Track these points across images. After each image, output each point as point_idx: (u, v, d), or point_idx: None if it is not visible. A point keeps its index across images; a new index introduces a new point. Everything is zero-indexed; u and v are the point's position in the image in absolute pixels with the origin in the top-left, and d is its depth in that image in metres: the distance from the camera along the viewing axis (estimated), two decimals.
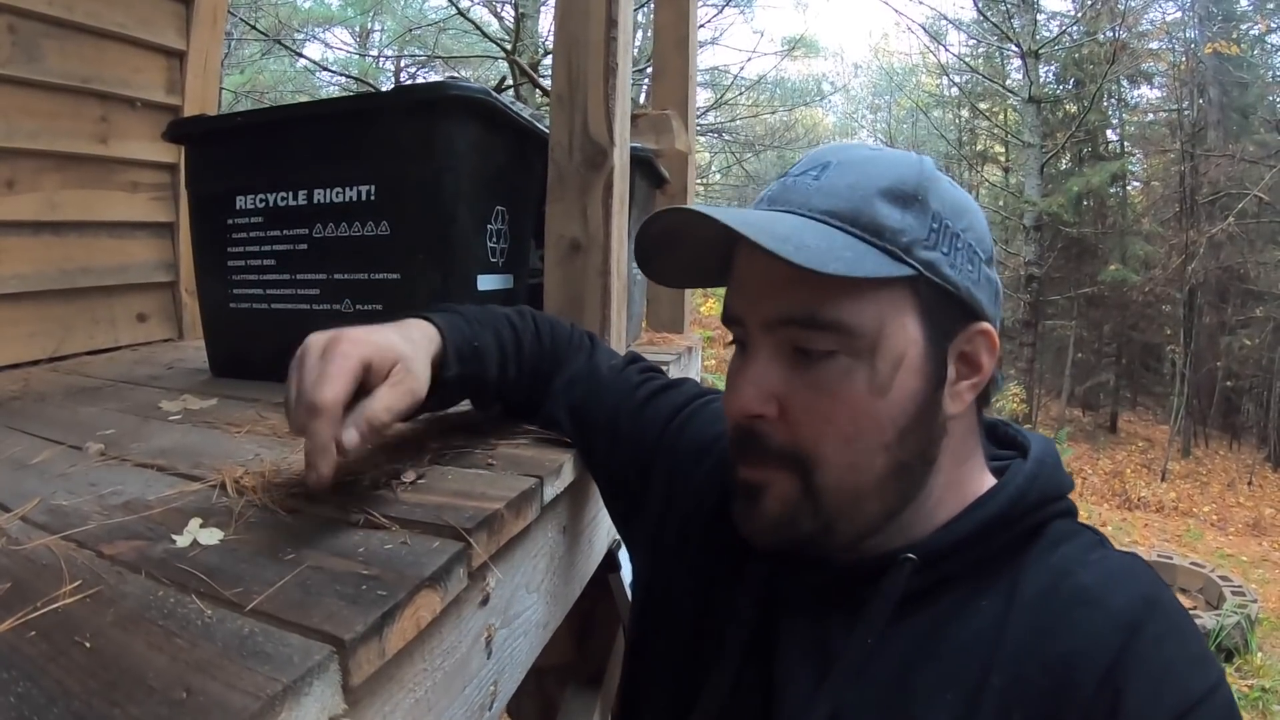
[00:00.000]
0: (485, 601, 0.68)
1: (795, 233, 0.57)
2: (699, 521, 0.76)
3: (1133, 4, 13.37)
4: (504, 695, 0.75)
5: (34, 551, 0.63)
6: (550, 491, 0.82)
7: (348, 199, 1.19)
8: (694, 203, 2.34)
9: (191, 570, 0.57)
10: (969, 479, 0.65)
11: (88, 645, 0.48)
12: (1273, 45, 14.60)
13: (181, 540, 0.63)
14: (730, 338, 0.67)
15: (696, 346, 2.15)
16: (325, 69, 12.74)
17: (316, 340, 0.69)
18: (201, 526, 0.65)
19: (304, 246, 1.24)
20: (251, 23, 10.62)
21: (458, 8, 10.34)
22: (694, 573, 0.74)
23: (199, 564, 0.58)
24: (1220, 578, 6.52)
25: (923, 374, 0.60)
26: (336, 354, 0.67)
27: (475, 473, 0.80)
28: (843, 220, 0.58)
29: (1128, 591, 0.56)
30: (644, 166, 1.74)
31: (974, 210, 0.63)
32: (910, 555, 0.59)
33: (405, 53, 13.63)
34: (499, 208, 1.28)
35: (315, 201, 1.22)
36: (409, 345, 0.75)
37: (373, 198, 1.18)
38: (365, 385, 0.69)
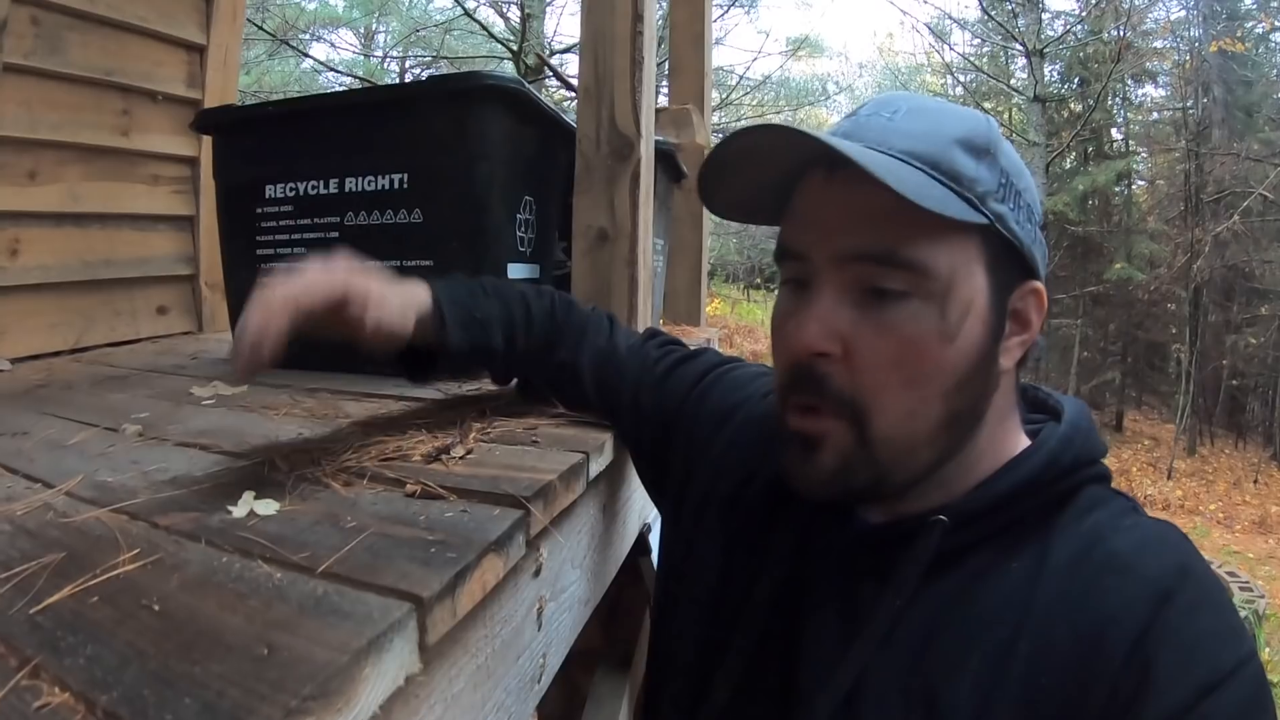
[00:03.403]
0: (538, 573, 0.69)
1: (886, 164, 0.55)
2: (720, 489, 0.77)
3: (1137, 2, 13.35)
4: (550, 670, 0.75)
5: (85, 524, 0.63)
6: (595, 467, 0.83)
7: (380, 187, 1.20)
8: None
9: (253, 538, 0.57)
10: (1005, 439, 0.64)
11: (156, 608, 0.48)
12: (1277, 43, 14.60)
13: (238, 511, 0.63)
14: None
15: (713, 340, 2.16)
16: (331, 69, 12.76)
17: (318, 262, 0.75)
18: (256, 498, 0.65)
19: (335, 235, 1.25)
20: (258, 23, 10.64)
21: (464, 8, 10.37)
22: (717, 539, 0.75)
23: (259, 532, 0.58)
24: (1227, 574, 6.54)
25: (986, 324, 0.60)
26: (327, 273, 0.73)
27: (522, 449, 0.81)
28: (922, 162, 0.57)
29: (1160, 559, 0.55)
30: (665, 160, 1.75)
31: (1029, 174, 0.64)
32: (942, 518, 0.59)
33: (410, 53, 13.66)
34: (528, 198, 1.29)
35: (347, 190, 1.22)
36: (396, 294, 0.80)
37: (406, 186, 1.18)
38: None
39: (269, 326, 0.68)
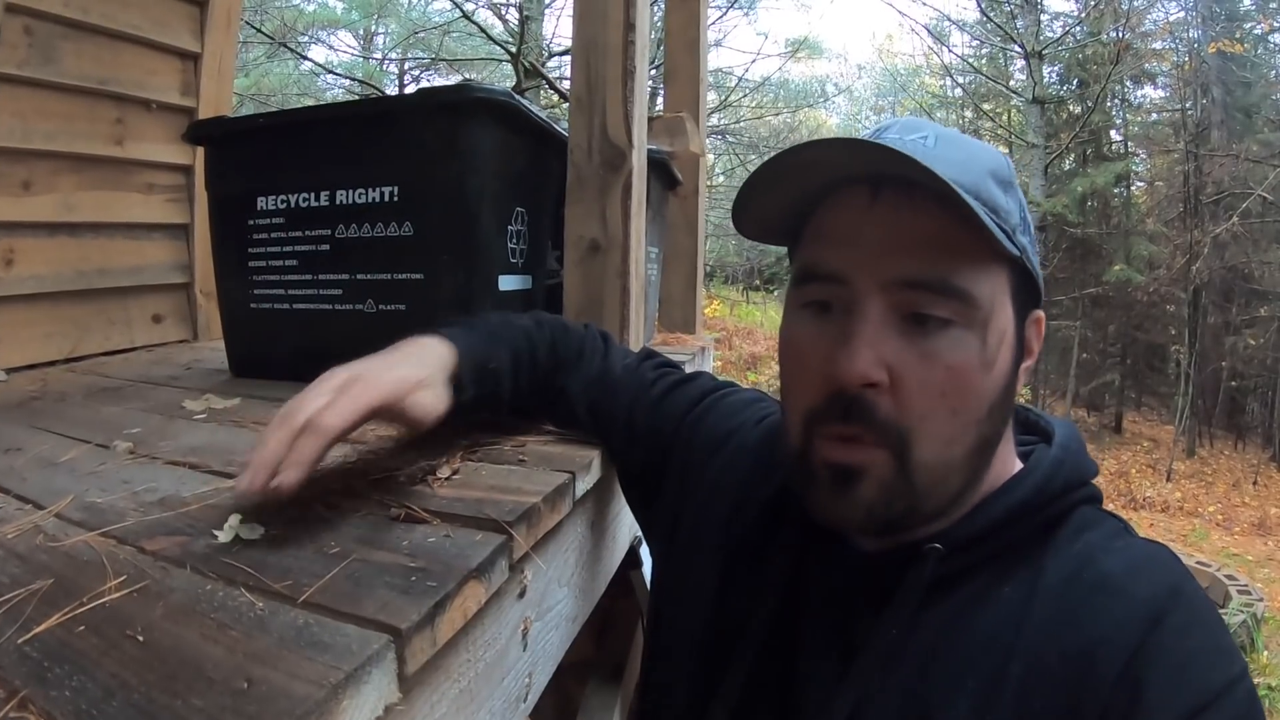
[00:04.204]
0: (523, 594, 0.69)
1: (963, 192, 0.54)
2: (714, 514, 0.77)
3: (1136, 4, 13.36)
4: (538, 687, 0.76)
5: (73, 548, 0.63)
6: (581, 486, 0.83)
7: (371, 200, 1.20)
8: (703, 202, 2.35)
9: (237, 564, 0.57)
10: (1000, 463, 0.64)
11: (140, 639, 0.48)
12: (1276, 44, 14.62)
13: (223, 535, 0.63)
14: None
15: (709, 347, 2.16)
16: (330, 72, 12.77)
17: (338, 371, 0.71)
18: (242, 522, 0.65)
19: (326, 247, 1.25)
20: (257, 26, 10.64)
21: (462, 10, 10.38)
22: (710, 565, 0.75)
23: (244, 558, 0.59)
24: (1226, 577, 6.53)
25: (1012, 352, 0.61)
26: (352, 392, 0.68)
27: (508, 468, 0.81)
28: (966, 191, 0.55)
29: (1151, 580, 0.55)
30: (659, 168, 1.75)
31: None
32: (936, 545, 0.59)
33: (409, 56, 13.68)
34: (519, 209, 1.29)
35: (338, 202, 1.22)
36: (425, 370, 0.76)
37: (396, 198, 1.18)
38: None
39: (303, 458, 0.63)
